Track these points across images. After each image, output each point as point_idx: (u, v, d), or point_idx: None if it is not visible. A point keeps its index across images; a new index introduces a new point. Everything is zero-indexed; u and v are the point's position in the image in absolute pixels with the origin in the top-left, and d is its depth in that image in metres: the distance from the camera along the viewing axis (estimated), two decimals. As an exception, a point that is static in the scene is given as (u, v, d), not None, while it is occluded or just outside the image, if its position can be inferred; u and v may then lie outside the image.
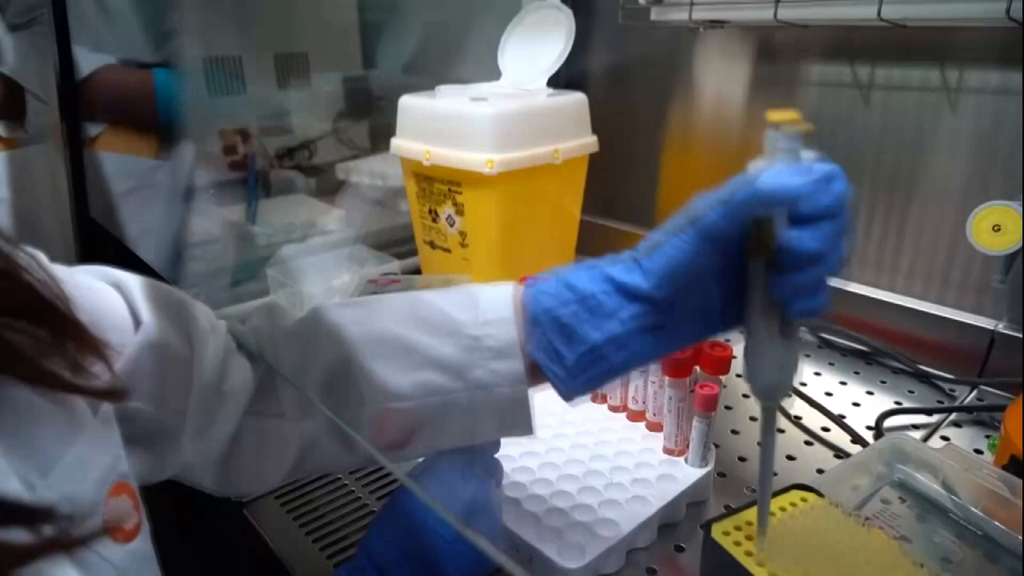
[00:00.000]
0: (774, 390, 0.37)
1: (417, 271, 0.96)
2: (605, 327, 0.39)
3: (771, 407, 0.39)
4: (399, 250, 1.04)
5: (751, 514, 0.49)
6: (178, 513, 0.68)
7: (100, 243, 0.76)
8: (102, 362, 0.30)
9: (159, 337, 0.38)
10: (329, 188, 1.19)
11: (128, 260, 0.70)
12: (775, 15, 0.76)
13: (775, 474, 0.60)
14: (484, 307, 0.43)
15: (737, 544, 0.46)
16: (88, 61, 0.80)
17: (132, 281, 0.40)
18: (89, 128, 0.81)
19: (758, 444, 0.65)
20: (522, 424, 0.44)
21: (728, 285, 0.37)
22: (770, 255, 0.32)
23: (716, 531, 0.47)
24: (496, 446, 0.48)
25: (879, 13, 0.68)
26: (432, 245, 0.89)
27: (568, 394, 0.42)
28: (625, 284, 0.39)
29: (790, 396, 0.37)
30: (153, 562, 0.32)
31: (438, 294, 0.45)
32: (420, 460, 0.47)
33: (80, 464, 0.29)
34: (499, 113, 0.76)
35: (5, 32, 0.76)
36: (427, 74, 1.20)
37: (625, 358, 0.40)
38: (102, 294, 0.38)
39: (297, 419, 0.43)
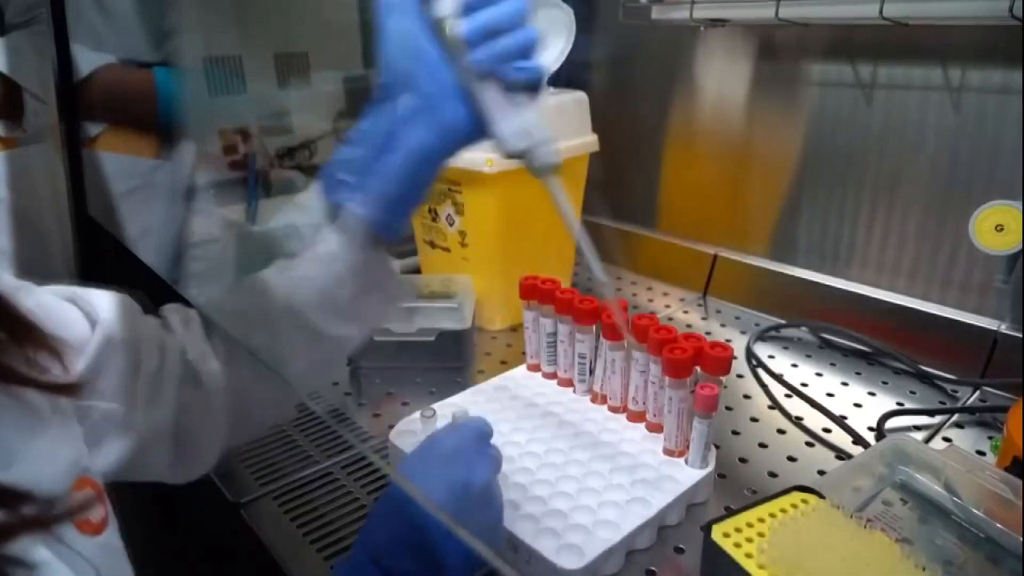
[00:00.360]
0: (531, 152, 0.41)
1: (417, 270, 0.96)
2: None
3: (547, 180, 0.42)
4: (398, 250, 1.03)
5: (752, 516, 0.49)
6: (174, 513, 0.68)
7: (99, 242, 0.76)
8: (59, 360, 0.31)
9: (116, 334, 0.40)
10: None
11: (126, 259, 0.70)
12: (776, 13, 0.76)
13: (775, 475, 0.60)
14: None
15: (737, 546, 0.46)
16: (88, 60, 0.80)
17: (83, 290, 0.42)
18: (89, 128, 0.81)
19: (759, 445, 0.65)
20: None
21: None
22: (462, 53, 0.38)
23: (716, 532, 0.47)
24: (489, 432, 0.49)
25: (881, 11, 0.68)
26: (432, 244, 0.88)
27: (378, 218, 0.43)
28: None
29: (557, 157, 0.41)
30: (124, 557, 0.33)
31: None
32: (423, 438, 0.48)
33: (41, 458, 0.29)
34: (499, 112, 0.76)
35: None
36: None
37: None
38: (57, 302, 0.40)
39: (220, 382, 0.45)
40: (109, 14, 0.82)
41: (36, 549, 0.26)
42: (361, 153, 0.42)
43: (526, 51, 0.39)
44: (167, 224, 0.88)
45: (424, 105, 0.40)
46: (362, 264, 0.44)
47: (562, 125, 0.83)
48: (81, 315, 0.40)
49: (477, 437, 0.47)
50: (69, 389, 0.33)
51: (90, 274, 0.78)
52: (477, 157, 0.76)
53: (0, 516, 0.24)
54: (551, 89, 0.85)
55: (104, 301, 0.41)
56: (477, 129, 0.41)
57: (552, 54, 0.84)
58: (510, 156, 0.41)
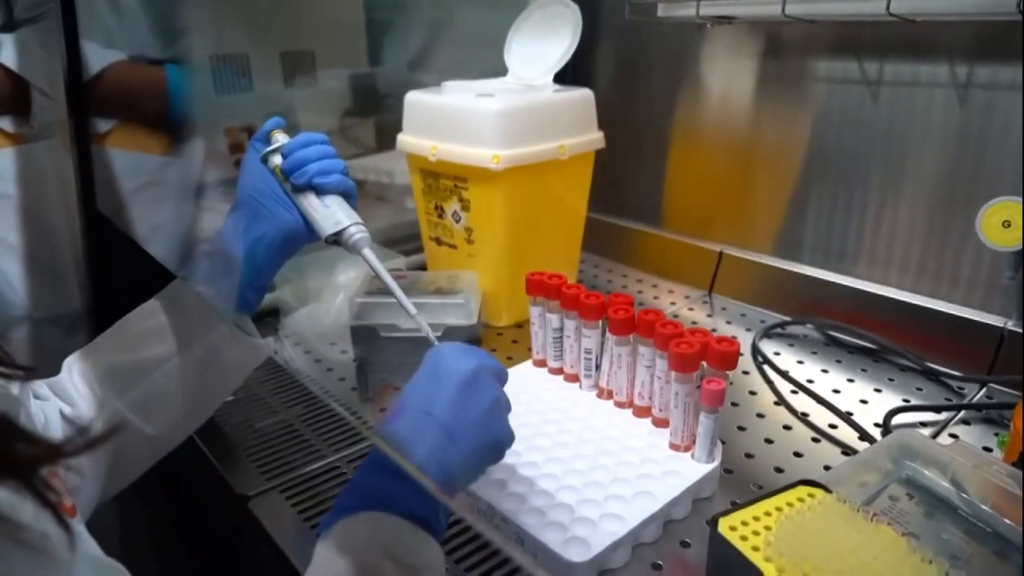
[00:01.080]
0: (345, 237, 0.53)
1: (423, 268, 0.96)
2: None
3: (362, 255, 0.53)
4: (405, 247, 1.04)
5: (758, 509, 0.49)
6: (183, 509, 0.68)
7: (108, 238, 0.76)
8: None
9: None
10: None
11: (134, 254, 0.70)
12: (783, 10, 0.76)
13: (781, 470, 0.61)
14: None
15: (744, 539, 0.46)
16: (99, 57, 0.80)
17: None
18: (99, 124, 0.82)
19: (765, 441, 0.65)
20: None
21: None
22: (286, 179, 0.55)
23: (723, 526, 0.47)
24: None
25: (888, 8, 0.68)
26: (438, 241, 0.89)
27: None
28: None
29: (365, 237, 0.54)
30: (93, 543, 0.34)
31: None
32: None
33: None
34: (505, 109, 0.76)
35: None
36: (433, 71, 1.20)
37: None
38: None
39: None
40: (120, 12, 0.83)
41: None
42: (220, 248, 0.55)
43: (327, 172, 0.54)
44: (176, 221, 0.88)
45: (268, 212, 0.55)
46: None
47: (568, 122, 0.83)
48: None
49: (471, 347, 0.49)
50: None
51: (98, 270, 0.79)
52: (483, 154, 0.76)
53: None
54: (557, 86, 0.85)
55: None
56: (307, 228, 0.56)
57: (558, 51, 0.85)
58: (328, 242, 0.54)
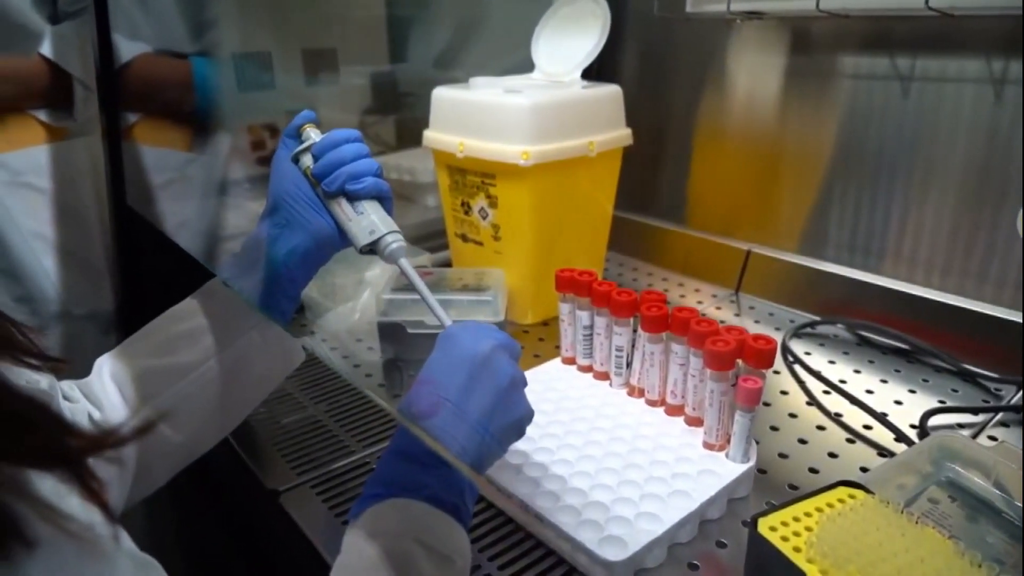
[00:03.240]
0: (382, 246, 0.52)
1: (448, 265, 0.96)
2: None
3: (398, 264, 0.52)
4: (428, 244, 1.04)
5: (798, 510, 0.48)
6: (216, 504, 0.69)
7: (138, 231, 0.76)
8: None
9: None
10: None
11: (165, 249, 0.70)
12: (817, 5, 0.75)
13: (816, 471, 0.60)
14: None
15: (785, 540, 0.45)
16: (125, 49, 0.81)
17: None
18: (127, 117, 0.82)
19: (799, 441, 0.64)
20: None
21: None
22: (318, 183, 0.53)
23: (763, 526, 0.46)
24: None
25: (927, 2, 0.67)
26: (464, 238, 0.88)
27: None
28: None
29: (402, 245, 0.52)
30: (125, 537, 0.33)
31: None
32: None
33: None
34: (535, 105, 0.76)
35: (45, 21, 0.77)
36: (455, 69, 1.19)
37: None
38: None
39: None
40: (146, 4, 0.83)
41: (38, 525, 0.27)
42: (253, 256, 0.54)
43: (359, 176, 0.52)
44: (201, 217, 0.89)
45: (302, 220, 0.53)
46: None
47: (596, 118, 0.82)
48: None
49: (484, 326, 0.48)
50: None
51: (129, 265, 0.79)
52: (511, 150, 0.75)
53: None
54: (585, 82, 0.84)
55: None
56: (340, 235, 0.54)
57: (587, 48, 0.84)
58: (362, 251, 0.52)
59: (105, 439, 0.29)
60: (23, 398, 0.26)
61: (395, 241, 0.51)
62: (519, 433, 0.46)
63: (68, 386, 0.51)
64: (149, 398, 0.51)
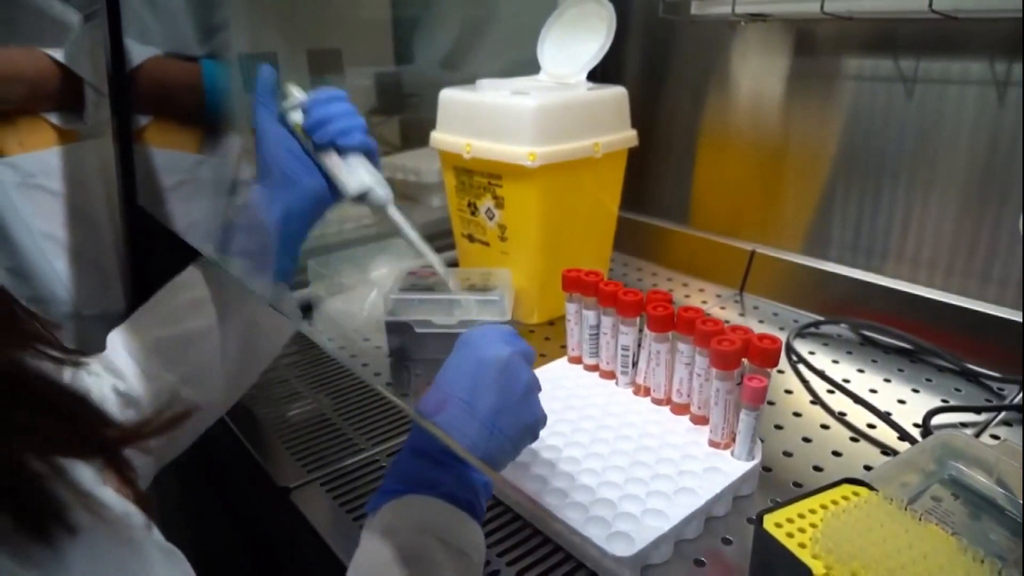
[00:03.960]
0: (371, 197, 0.55)
1: (453, 265, 0.97)
2: None
3: (383, 211, 0.56)
4: (433, 244, 1.04)
5: (803, 507, 0.49)
6: (227, 501, 0.69)
7: (149, 232, 0.77)
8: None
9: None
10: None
11: (176, 250, 0.71)
12: (821, 7, 0.76)
13: (820, 469, 0.60)
14: None
15: (790, 536, 0.46)
16: (136, 53, 0.81)
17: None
18: (138, 119, 0.83)
19: (803, 440, 0.65)
20: None
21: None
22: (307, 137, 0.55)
23: (768, 522, 0.47)
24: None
25: (931, 5, 0.67)
26: (470, 238, 0.89)
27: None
28: None
29: (389, 194, 0.57)
30: (152, 527, 0.34)
31: None
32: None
33: None
34: (541, 106, 0.76)
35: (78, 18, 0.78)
36: (461, 70, 1.20)
37: None
38: None
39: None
40: (156, 7, 0.84)
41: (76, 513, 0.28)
42: (252, 221, 0.56)
43: (350, 130, 0.54)
44: (212, 219, 0.89)
45: (294, 179, 0.55)
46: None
47: (602, 120, 0.83)
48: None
49: (502, 331, 0.50)
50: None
51: (140, 266, 0.80)
52: (518, 151, 0.76)
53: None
54: (590, 84, 0.85)
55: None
56: (331, 191, 0.56)
57: (592, 49, 0.85)
58: (354, 201, 0.55)
59: (141, 429, 0.30)
60: (64, 391, 0.27)
61: (383, 191, 0.55)
62: (533, 436, 0.48)
63: (92, 362, 0.52)
64: (167, 367, 0.53)
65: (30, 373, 0.26)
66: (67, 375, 0.40)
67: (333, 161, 0.54)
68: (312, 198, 0.55)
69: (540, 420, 0.48)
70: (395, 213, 0.55)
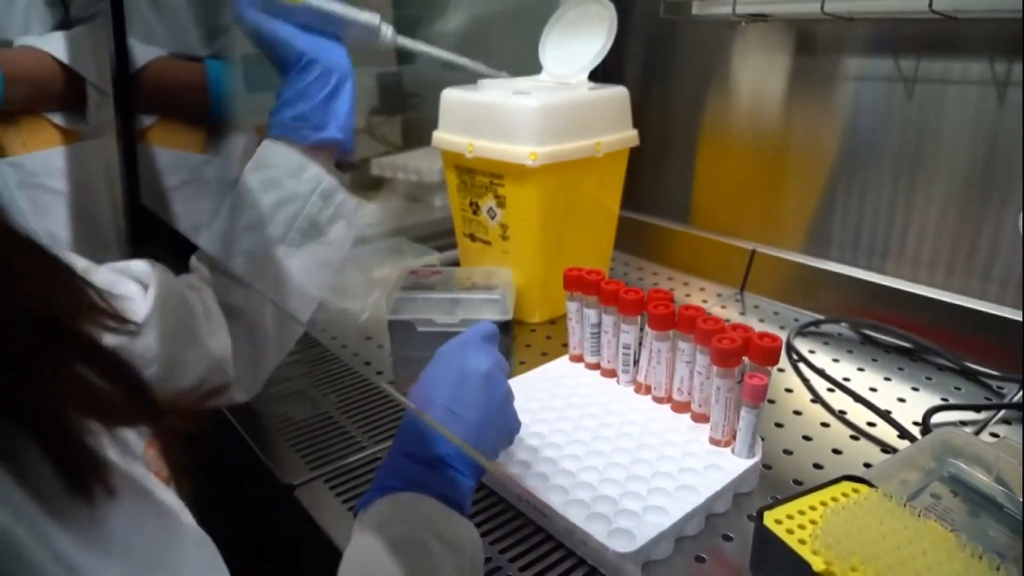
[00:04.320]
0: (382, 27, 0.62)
1: (456, 264, 0.97)
2: None
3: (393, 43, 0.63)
4: (435, 244, 1.05)
5: (803, 503, 0.49)
6: (230, 498, 0.70)
7: (152, 231, 0.78)
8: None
9: (167, 292, 0.53)
10: (363, 183, 1.21)
11: (180, 248, 0.72)
12: (822, 8, 0.76)
13: (821, 467, 0.61)
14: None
15: (790, 532, 0.46)
16: (140, 53, 0.82)
17: (125, 263, 0.54)
18: (142, 120, 0.83)
19: (803, 438, 0.65)
20: None
21: None
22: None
23: (768, 519, 0.47)
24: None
25: (931, 5, 0.68)
26: (472, 237, 0.89)
27: None
28: None
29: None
30: (187, 511, 0.35)
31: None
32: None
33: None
34: (543, 106, 0.77)
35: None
36: (462, 71, 1.20)
37: None
38: (116, 277, 0.52)
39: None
40: (161, 8, 0.84)
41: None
42: (309, 107, 0.58)
43: None
44: (216, 218, 0.90)
45: (334, 68, 0.58)
46: (334, 186, 0.60)
47: (604, 120, 0.83)
48: (136, 285, 0.52)
49: (483, 336, 0.52)
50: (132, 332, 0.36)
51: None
52: (520, 151, 0.77)
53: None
54: (591, 83, 0.85)
55: (146, 268, 0.54)
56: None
57: (594, 49, 0.85)
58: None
59: (180, 401, 0.31)
60: (118, 358, 0.28)
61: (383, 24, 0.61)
62: (510, 442, 0.53)
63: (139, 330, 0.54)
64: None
65: (86, 338, 0.27)
66: (119, 342, 0.41)
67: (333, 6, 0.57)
68: (348, 74, 0.59)
69: (517, 427, 0.52)
70: (405, 40, 0.60)
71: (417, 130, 1.27)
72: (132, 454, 0.31)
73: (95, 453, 0.25)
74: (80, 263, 0.49)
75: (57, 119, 0.83)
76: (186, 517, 0.33)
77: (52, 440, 0.24)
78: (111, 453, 0.27)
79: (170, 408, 0.31)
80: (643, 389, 0.66)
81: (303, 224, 0.58)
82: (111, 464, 0.26)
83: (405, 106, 1.29)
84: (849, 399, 0.71)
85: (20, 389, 0.23)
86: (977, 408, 0.69)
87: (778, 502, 0.49)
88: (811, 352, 0.81)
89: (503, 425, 0.50)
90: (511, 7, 1.15)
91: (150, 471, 0.32)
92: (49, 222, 0.83)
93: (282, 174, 0.58)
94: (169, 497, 0.33)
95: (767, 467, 0.61)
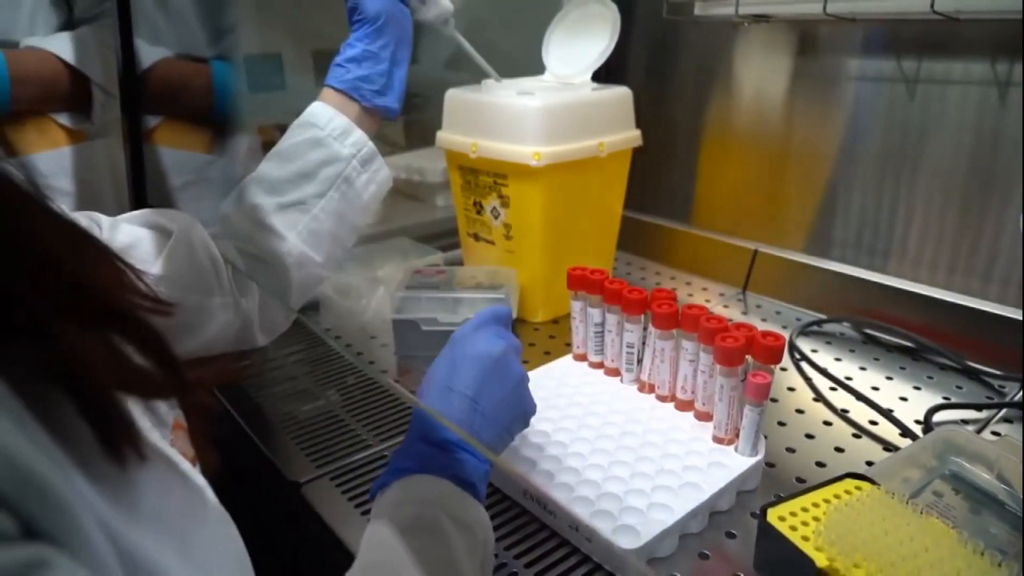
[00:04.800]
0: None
1: (458, 263, 0.97)
2: None
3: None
4: (438, 243, 1.05)
5: (806, 501, 0.49)
6: (237, 494, 0.70)
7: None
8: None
9: (190, 240, 0.57)
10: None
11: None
12: (824, 9, 0.77)
13: (823, 465, 0.61)
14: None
15: (793, 529, 0.47)
16: (146, 54, 0.82)
17: (152, 211, 0.59)
18: (148, 120, 0.84)
19: (806, 436, 0.65)
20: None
21: None
22: None
23: (772, 516, 0.48)
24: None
25: (932, 6, 0.68)
26: (476, 237, 0.90)
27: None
28: None
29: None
30: (210, 490, 0.36)
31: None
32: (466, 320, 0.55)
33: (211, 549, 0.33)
34: (547, 106, 0.77)
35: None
36: (466, 71, 1.21)
37: None
38: (141, 232, 0.56)
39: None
40: (168, 9, 0.85)
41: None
42: (376, 71, 0.62)
43: None
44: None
45: (404, 38, 0.64)
46: (373, 152, 0.64)
47: (607, 120, 0.84)
48: (156, 235, 0.56)
49: (494, 318, 0.54)
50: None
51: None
52: (524, 151, 0.77)
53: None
54: (595, 84, 0.86)
55: (172, 216, 0.58)
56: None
57: (597, 50, 0.86)
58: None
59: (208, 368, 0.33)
60: (151, 334, 0.29)
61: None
62: (525, 424, 0.52)
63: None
64: (291, 227, 0.61)
65: (125, 314, 0.28)
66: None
67: None
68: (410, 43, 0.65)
69: (531, 410, 0.52)
70: (457, 33, 0.68)
71: (419, 130, 1.27)
72: (163, 428, 0.33)
73: (129, 418, 0.27)
74: (105, 220, 0.54)
75: (63, 119, 0.83)
76: (210, 495, 0.34)
77: (90, 404, 0.25)
78: (144, 424, 0.28)
79: (199, 382, 0.33)
80: (646, 388, 0.67)
81: (342, 185, 0.62)
82: (143, 431, 0.28)
83: (408, 106, 1.28)
84: (851, 398, 0.71)
85: (63, 359, 0.25)
86: (978, 407, 0.69)
87: (781, 499, 0.50)
88: (813, 351, 0.81)
89: (516, 409, 0.50)
90: (514, 6, 1.15)
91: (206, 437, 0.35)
92: None
93: (328, 135, 0.61)
94: (196, 475, 0.34)
95: (770, 465, 0.61)
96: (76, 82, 0.79)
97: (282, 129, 1.15)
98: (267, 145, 1.09)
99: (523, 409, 0.51)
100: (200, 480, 0.34)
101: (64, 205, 0.83)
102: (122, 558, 0.24)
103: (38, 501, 0.21)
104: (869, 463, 0.61)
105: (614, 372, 0.70)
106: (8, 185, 0.25)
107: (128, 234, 0.55)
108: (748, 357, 0.57)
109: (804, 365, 0.78)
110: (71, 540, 0.22)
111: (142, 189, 0.78)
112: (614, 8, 0.85)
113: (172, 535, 0.28)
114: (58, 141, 0.84)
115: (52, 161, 0.83)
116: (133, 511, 0.26)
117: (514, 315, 0.78)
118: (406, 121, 1.30)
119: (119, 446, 0.26)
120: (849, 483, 0.51)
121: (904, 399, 0.71)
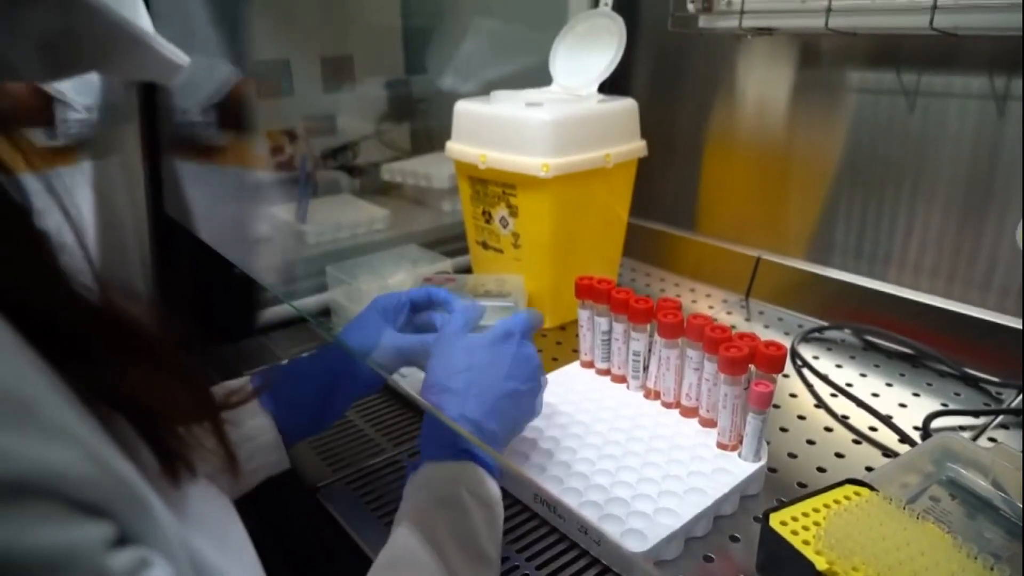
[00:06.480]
0: None
1: (467, 270, 0.99)
2: None
3: None
4: (445, 249, 1.07)
5: (807, 506, 0.51)
6: (255, 500, 0.72)
7: (176, 241, 0.80)
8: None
9: None
10: (372, 188, 1.23)
11: (204, 256, 0.74)
12: (826, 23, 0.78)
13: (824, 470, 0.63)
14: None
15: (795, 533, 0.49)
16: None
17: None
18: (201, 138, 0.85)
19: (807, 442, 0.67)
20: None
21: None
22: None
23: (774, 520, 0.50)
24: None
25: (931, 23, 0.70)
26: (484, 245, 0.92)
27: None
28: None
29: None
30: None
31: None
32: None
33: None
34: (555, 119, 0.79)
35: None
36: (474, 79, 1.23)
37: None
38: None
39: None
40: (183, 18, 0.86)
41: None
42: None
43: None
44: (235, 225, 0.92)
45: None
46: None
47: (613, 131, 0.86)
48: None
49: (504, 334, 0.58)
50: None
51: (167, 273, 0.83)
52: (533, 162, 0.79)
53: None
54: (601, 95, 0.88)
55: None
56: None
57: (603, 62, 0.87)
58: None
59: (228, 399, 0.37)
60: (190, 370, 0.33)
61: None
62: (531, 400, 0.56)
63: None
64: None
65: (170, 352, 0.32)
66: None
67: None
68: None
69: (535, 387, 0.56)
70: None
71: (426, 136, 1.29)
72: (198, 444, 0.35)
73: (183, 439, 0.30)
74: None
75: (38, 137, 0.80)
76: (233, 505, 0.36)
77: (147, 428, 0.28)
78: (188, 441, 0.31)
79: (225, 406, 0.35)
80: (652, 395, 0.69)
81: None
82: (192, 446, 0.31)
83: (414, 113, 1.31)
84: (852, 404, 0.73)
85: (124, 389, 0.28)
86: (976, 413, 0.71)
87: (783, 504, 0.51)
88: (815, 358, 0.83)
89: (522, 408, 0.55)
90: (521, 19, 1.17)
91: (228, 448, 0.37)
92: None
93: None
94: (222, 481, 0.37)
95: (772, 470, 0.63)
96: (35, 97, 0.76)
97: (289, 134, 1.17)
98: (275, 150, 1.11)
99: (522, 410, 0.55)
100: (224, 486, 0.37)
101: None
102: (194, 565, 0.26)
103: (137, 512, 0.23)
104: (869, 468, 0.63)
105: (621, 379, 0.71)
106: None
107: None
108: (751, 366, 0.59)
109: (806, 371, 0.80)
110: (161, 546, 0.24)
111: (159, 197, 0.80)
112: (620, 21, 0.87)
113: (216, 537, 0.30)
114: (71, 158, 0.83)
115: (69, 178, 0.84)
116: (185, 519, 0.28)
117: (523, 322, 0.80)
118: (412, 127, 1.31)
119: (175, 465, 0.29)
120: (849, 488, 0.53)
121: (903, 405, 0.73)
